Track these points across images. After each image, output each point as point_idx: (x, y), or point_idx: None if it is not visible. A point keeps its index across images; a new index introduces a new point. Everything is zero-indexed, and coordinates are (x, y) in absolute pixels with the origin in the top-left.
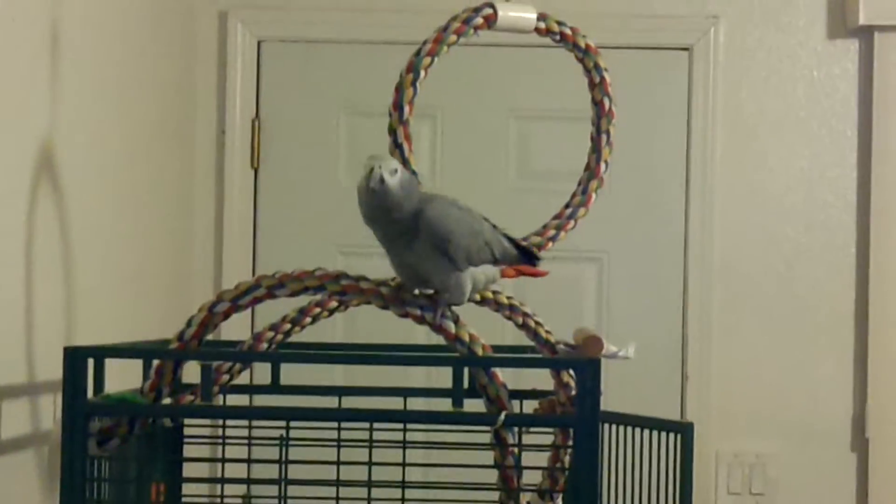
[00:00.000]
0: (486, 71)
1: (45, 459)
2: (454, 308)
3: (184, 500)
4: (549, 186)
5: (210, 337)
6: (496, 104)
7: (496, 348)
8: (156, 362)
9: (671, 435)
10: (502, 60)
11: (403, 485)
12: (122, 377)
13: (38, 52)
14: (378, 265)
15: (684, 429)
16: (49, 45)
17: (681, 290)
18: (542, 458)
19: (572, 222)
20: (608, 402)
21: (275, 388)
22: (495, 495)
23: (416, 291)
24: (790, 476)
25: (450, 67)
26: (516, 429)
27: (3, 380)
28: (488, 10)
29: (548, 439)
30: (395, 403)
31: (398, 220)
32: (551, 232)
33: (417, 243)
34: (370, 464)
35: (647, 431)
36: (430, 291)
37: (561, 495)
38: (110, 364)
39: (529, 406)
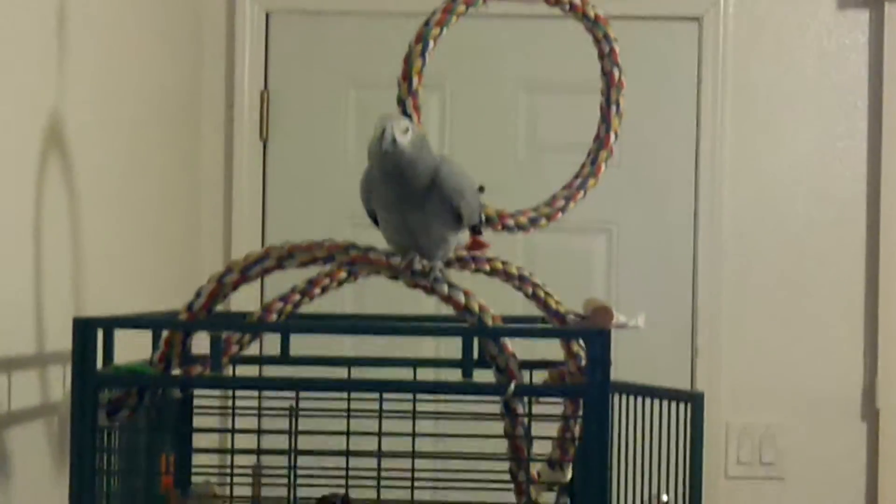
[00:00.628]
0: (495, 42)
1: (55, 430)
2: (458, 276)
3: (193, 470)
4: (557, 158)
5: (219, 308)
6: (505, 75)
7: (506, 319)
8: (165, 333)
9: (681, 405)
10: (511, 31)
11: (413, 455)
12: (131, 348)
13: (46, 25)
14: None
15: (694, 398)
16: (57, 18)
17: (691, 262)
18: (552, 429)
19: (581, 193)
20: (618, 376)
21: (284, 358)
22: (505, 465)
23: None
24: (800, 446)
25: (458, 38)
26: (526, 399)
27: (12, 351)
28: None
29: (557, 409)
30: (404, 374)
31: (411, 178)
32: (560, 202)
33: (430, 201)
34: (380, 434)
35: (657, 402)
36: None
37: (571, 465)
38: (119, 335)
39: (539, 377)
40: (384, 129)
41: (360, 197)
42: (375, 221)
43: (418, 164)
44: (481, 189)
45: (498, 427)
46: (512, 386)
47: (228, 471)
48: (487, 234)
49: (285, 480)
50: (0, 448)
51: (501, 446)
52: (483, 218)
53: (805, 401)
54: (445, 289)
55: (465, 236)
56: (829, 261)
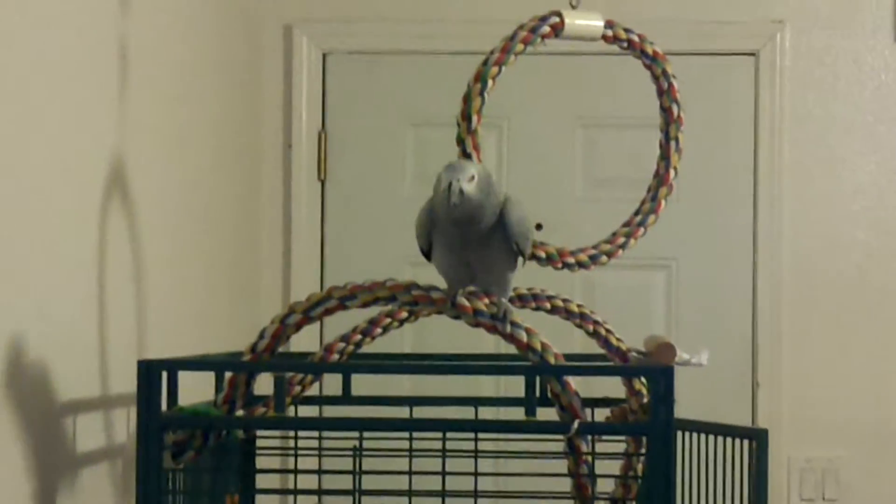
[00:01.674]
0: (552, 79)
1: (119, 472)
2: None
3: None
4: (615, 195)
5: (280, 349)
6: (562, 112)
7: (567, 356)
8: (229, 374)
9: (744, 441)
10: (568, 68)
11: (476, 494)
12: (193, 389)
13: (107, 67)
14: None
15: (759, 435)
16: (117, 60)
17: (750, 296)
18: (615, 467)
19: (642, 229)
20: (678, 411)
21: (346, 398)
22: None
23: (485, 301)
24: (863, 481)
25: (516, 76)
26: (589, 437)
27: (77, 394)
28: (555, 19)
29: (620, 447)
30: (465, 412)
31: (479, 220)
32: (621, 239)
33: (495, 240)
34: (443, 473)
35: (720, 438)
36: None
37: (634, 503)
38: (182, 376)
39: (600, 414)
40: (451, 184)
41: (416, 233)
42: (427, 255)
43: (486, 206)
44: (538, 227)
45: (560, 465)
46: (576, 424)
47: None
48: (548, 272)
49: None
50: (67, 490)
51: (565, 485)
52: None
53: (868, 434)
54: (508, 327)
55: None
56: (891, 291)
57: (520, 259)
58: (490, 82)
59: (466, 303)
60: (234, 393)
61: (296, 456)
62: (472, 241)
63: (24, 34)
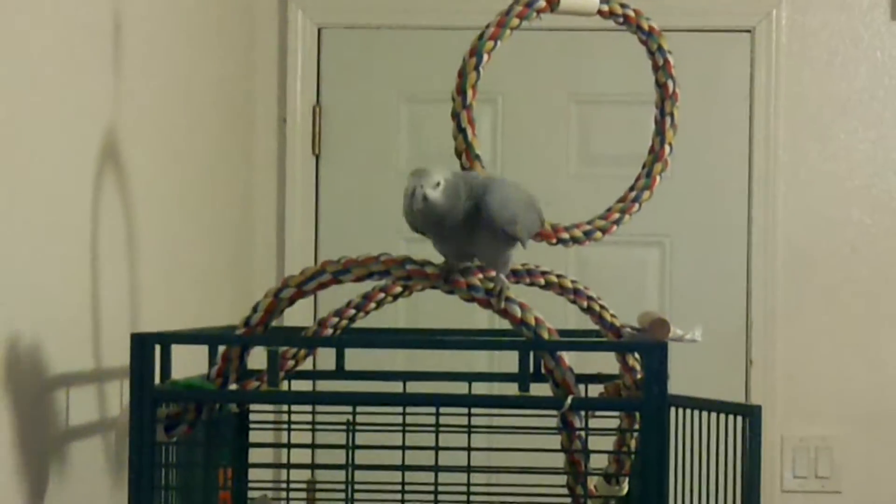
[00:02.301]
0: (547, 54)
1: (112, 446)
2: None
3: (249, 485)
4: (609, 171)
5: (274, 323)
6: (557, 87)
7: (561, 332)
8: (222, 348)
9: (738, 418)
10: (563, 44)
11: (469, 469)
12: (187, 363)
13: (100, 41)
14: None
15: (752, 412)
16: (111, 35)
17: (744, 274)
18: (608, 442)
19: (637, 206)
20: (672, 387)
21: (339, 373)
22: (562, 479)
23: (479, 276)
24: (856, 460)
25: (511, 51)
26: (583, 412)
27: (70, 367)
28: None
29: (613, 423)
30: (459, 388)
31: (451, 222)
32: (616, 215)
33: (479, 234)
34: (436, 448)
35: (713, 415)
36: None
37: (627, 478)
38: (175, 350)
39: (593, 390)
40: (414, 189)
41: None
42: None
43: (453, 210)
44: None
45: (554, 441)
46: (569, 400)
47: (284, 485)
48: (542, 247)
49: (341, 495)
50: (59, 463)
51: (558, 460)
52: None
53: (861, 413)
54: (502, 303)
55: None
56: (885, 270)
57: (522, 241)
58: (485, 56)
59: (461, 278)
60: (228, 367)
61: (289, 430)
62: (458, 235)
63: (16, 12)
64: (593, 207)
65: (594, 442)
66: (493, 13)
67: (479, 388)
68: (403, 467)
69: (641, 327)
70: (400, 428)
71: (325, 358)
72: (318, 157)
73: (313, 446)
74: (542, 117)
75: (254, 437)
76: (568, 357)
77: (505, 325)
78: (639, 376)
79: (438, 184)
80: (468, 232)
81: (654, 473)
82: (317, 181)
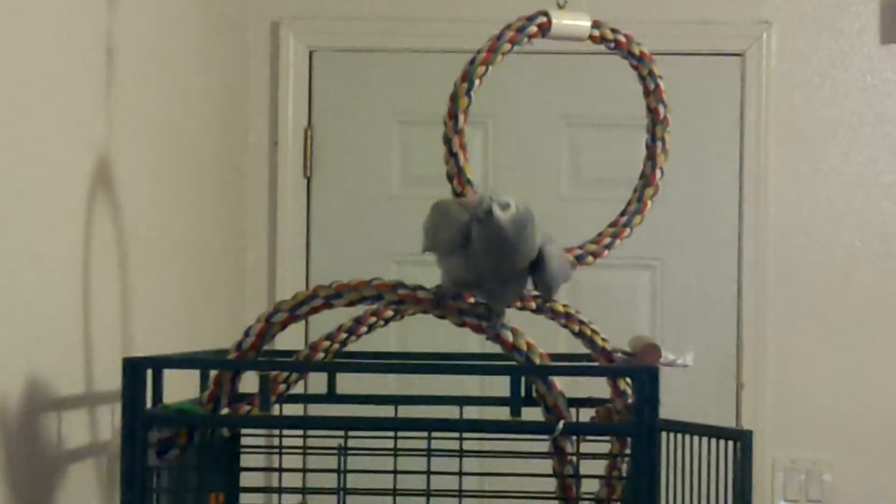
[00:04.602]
0: (538, 78)
1: (103, 470)
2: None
3: None
4: (601, 194)
5: (265, 347)
6: (548, 111)
7: (552, 356)
8: (214, 373)
9: (729, 443)
10: (553, 67)
11: (461, 494)
12: (178, 387)
13: (93, 64)
14: (432, 274)
15: (743, 436)
16: (103, 57)
17: (735, 297)
18: (599, 467)
19: (628, 230)
20: (663, 411)
21: (331, 397)
22: None
23: (471, 300)
24: (848, 482)
25: (502, 74)
26: (574, 437)
27: (61, 391)
28: (542, 19)
29: (604, 447)
30: (451, 412)
31: (512, 258)
32: (607, 240)
33: (522, 278)
34: (428, 473)
35: (704, 439)
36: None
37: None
38: (167, 374)
39: (585, 414)
40: (491, 202)
41: (433, 231)
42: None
43: (520, 245)
44: None
45: (545, 465)
46: (561, 425)
47: None
48: None
49: None
50: (50, 487)
51: (549, 485)
52: None
53: (852, 436)
54: (496, 328)
55: None
56: (876, 293)
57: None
58: (477, 81)
59: (452, 303)
60: (220, 391)
61: (280, 454)
62: (499, 277)
63: (9, 32)
64: (585, 231)
65: (585, 466)
66: (484, 37)
67: (471, 412)
68: (395, 492)
69: (633, 352)
70: (391, 452)
71: (317, 381)
72: (309, 180)
73: (304, 470)
74: (533, 141)
75: (245, 461)
76: (559, 381)
77: (496, 349)
78: (630, 401)
79: (508, 205)
80: (510, 279)
81: (646, 498)
82: (308, 204)
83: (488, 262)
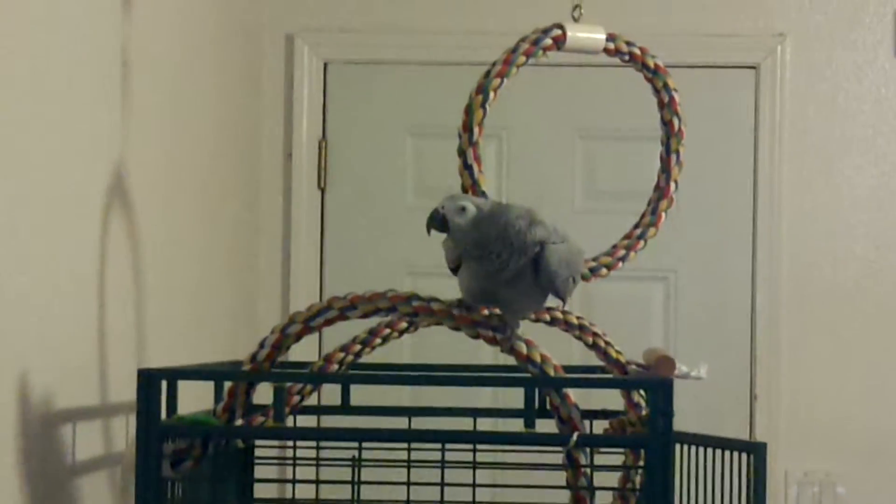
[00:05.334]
0: (552, 90)
1: (118, 481)
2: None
3: None
4: (615, 206)
5: (279, 358)
6: (562, 123)
7: (566, 368)
8: (228, 384)
9: (742, 455)
10: (568, 79)
11: None
12: (192, 398)
13: (108, 75)
14: (446, 285)
15: (757, 449)
16: (118, 68)
17: (749, 309)
18: (612, 479)
19: (642, 242)
20: (676, 423)
21: (345, 408)
22: None
23: (485, 312)
24: (861, 495)
25: (516, 86)
26: (588, 449)
27: (76, 402)
28: (557, 32)
29: (617, 459)
30: (465, 424)
31: (510, 262)
32: (621, 252)
33: (524, 283)
34: (442, 484)
35: (717, 451)
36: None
37: None
38: (181, 385)
39: (598, 426)
40: (442, 210)
41: (446, 252)
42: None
43: (494, 244)
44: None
45: (559, 477)
46: (575, 436)
47: None
48: None
49: None
50: (64, 498)
51: (563, 497)
52: None
53: (866, 448)
54: (511, 340)
55: None
56: (889, 305)
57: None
58: (492, 94)
59: (466, 314)
60: (234, 402)
61: (294, 466)
62: (501, 282)
63: (26, 41)
64: (599, 243)
65: (599, 478)
66: (498, 50)
67: (484, 424)
68: (409, 503)
69: (647, 364)
70: (405, 463)
71: (331, 392)
72: (323, 192)
73: (318, 482)
74: (547, 153)
75: (259, 472)
76: (573, 393)
77: (510, 361)
78: (644, 413)
79: (464, 209)
80: (514, 284)
81: None
82: (322, 215)
83: (480, 267)
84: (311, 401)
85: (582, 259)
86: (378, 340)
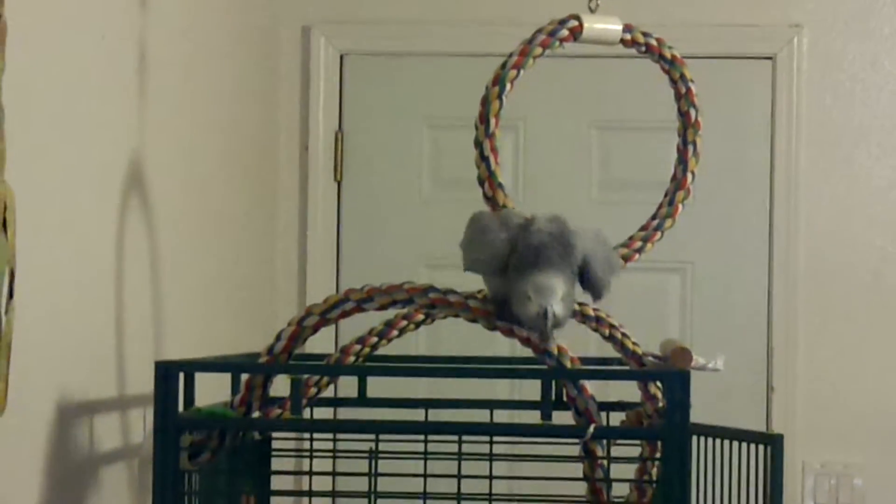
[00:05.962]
0: (569, 81)
1: (135, 473)
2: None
3: None
4: (632, 197)
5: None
6: (579, 114)
7: (582, 360)
8: (246, 376)
9: (759, 446)
10: (585, 70)
11: (491, 497)
12: (209, 391)
13: (127, 69)
14: (463, 277)
15: (774, 441)
16: (137, 62)
17: (766, 300)
18: (629, 471)
19: (659, 234)
20: (693, 414)
21: (361, 400)
22: None
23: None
24: (878, 487)
25: (533, 77)
26: (605, 441)
27: (94, 394)
28: (574, 23)
29: (635, 451)
30: (481, 416)
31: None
32: (638, 244)
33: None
34: (458, 476)
35: (734, 443)
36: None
37: None
38: (199, 377)
39: (615, 418)
40: (546, 311)
41: (463, 251)
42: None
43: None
44: None
45: (576, 469)
46: (591, 428)
47: None
48: None
49: None
50: (82, 490)
51: (580, 489)
52: None
53: (883, 439)
54: (524, 331)
55: None
56: None
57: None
58: (508, 85)
59: (481, 305)
60: (251, 395)
61: (311, 458)
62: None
63: (43, 36)
64: (615, 234)
65: (616, 470)
66: (514, 40)
67: (501, 416)
68: (425, 495)
69: (663, 355)
70: (422, 456)
71: (347, 384)
72: (339, 184)
73: (335, 474)
74: (564, 144)
75: (276, 464)
76: (590, 385)
77: (527, 352)
78: (660, 405)
79: (563, 298)
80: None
81: (677, 502)
82: (339, 207)
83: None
84: (328, 393)
85: (614, 252)
86: (395, 332)
